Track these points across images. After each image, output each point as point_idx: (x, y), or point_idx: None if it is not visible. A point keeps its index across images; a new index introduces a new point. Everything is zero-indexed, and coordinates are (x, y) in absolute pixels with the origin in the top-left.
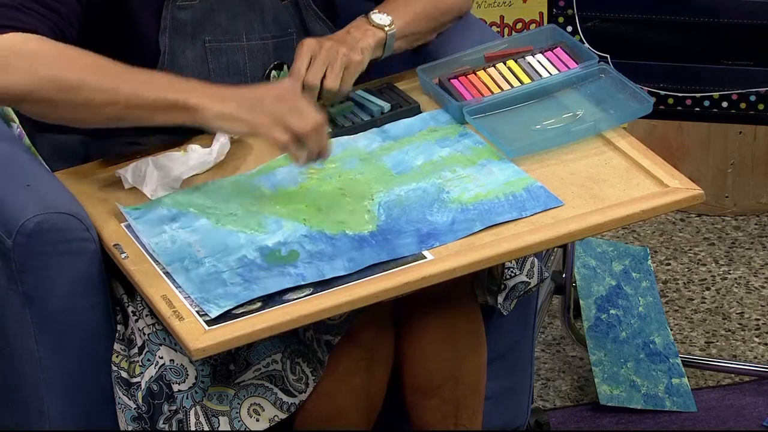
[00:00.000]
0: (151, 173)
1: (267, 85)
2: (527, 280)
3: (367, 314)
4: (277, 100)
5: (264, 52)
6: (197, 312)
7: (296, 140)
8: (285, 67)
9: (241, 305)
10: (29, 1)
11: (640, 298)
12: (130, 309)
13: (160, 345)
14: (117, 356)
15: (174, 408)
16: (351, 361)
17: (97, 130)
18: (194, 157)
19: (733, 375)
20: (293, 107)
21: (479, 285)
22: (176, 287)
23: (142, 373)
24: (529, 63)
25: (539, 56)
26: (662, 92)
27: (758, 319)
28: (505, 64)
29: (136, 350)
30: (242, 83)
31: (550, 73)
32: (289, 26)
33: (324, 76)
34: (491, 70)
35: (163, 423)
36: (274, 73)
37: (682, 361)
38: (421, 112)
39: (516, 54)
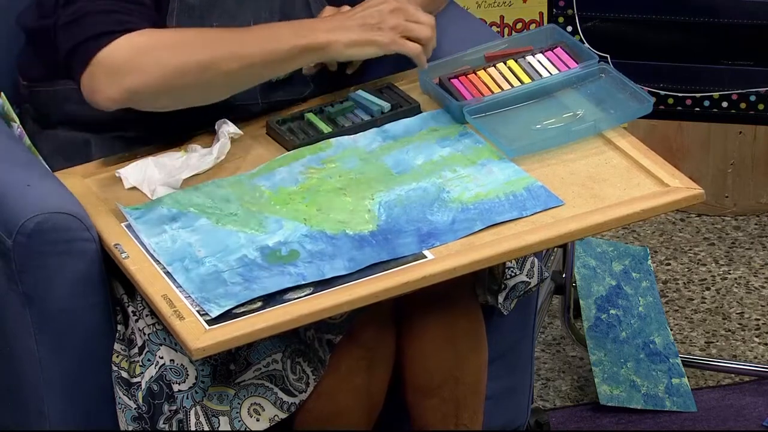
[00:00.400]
0: (151, 173)
1: (369, 2)
2: (527, 279)
3: (367, 314)
4: (393, 12)
5: None
6: (198, 311)
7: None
8: None
9: (242, 305)
10: (122, 3)
11: (640, 298)
12: (130, 309)
13: (161, 345)
14: (117, 356)
15: (174, 408)
16: (352, 361)
17: (99, 128)
18: (194, 157)
19: (733, 375)
20: (408, 16)
21: (480, 284)
22: (177, 287)
23: (142, 373)
24: (529, 63)
25: (539, 56)
26: (662, 92)
27: (758, 319)
28: (505, 64)
29: (136, 350)
30: None
31: (550, 72)
32: (297, 14)
33: None
34: (491, 69)
35: (164, 423)
36: None
37: (682, 361)
38: (421, 112)
39: (516, 54)
